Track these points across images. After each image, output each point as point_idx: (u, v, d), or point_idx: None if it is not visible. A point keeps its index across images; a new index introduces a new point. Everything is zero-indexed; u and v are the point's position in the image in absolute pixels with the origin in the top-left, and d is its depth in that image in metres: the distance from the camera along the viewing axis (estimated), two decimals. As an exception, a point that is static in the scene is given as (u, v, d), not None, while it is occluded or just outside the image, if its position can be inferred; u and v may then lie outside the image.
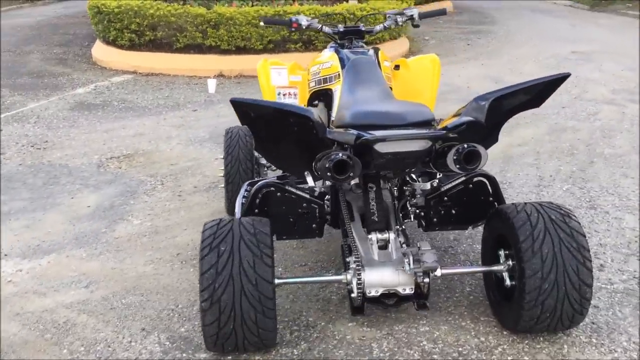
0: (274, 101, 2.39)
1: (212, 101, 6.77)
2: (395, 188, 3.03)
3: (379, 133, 2.36)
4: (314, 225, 2.94)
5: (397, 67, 3.59)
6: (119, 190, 4.33)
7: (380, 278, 2.57)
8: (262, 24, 3.63)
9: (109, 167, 4.77)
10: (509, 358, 2.56)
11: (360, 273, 2.52)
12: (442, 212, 2.98)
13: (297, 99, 3.51)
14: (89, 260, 3.39)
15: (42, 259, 3.42)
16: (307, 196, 2.91)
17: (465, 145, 2.33)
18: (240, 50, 8.11)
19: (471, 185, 2.95)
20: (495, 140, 2.71)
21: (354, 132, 2.39)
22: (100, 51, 8.93)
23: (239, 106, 2.29)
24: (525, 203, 2.66)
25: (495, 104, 2.39)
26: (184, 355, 2.60)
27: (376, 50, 3.33)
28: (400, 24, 3.56)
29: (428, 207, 2.97)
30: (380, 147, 2.35)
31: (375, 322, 2.79)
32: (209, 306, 2.36)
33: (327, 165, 2.29)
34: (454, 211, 2.98)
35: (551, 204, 2.65)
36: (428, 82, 3.51)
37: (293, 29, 3.49)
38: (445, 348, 2.62)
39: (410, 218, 3.04)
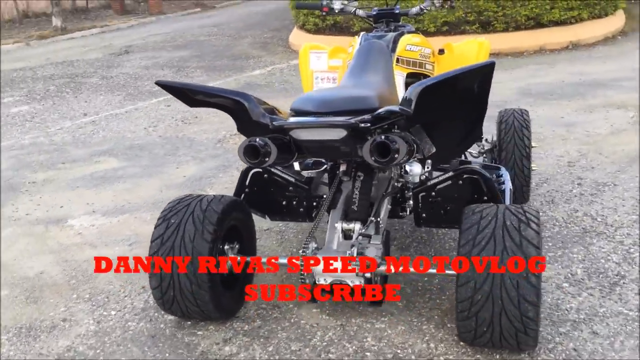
0: (202, 85, 2.49)
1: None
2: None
3: (294, 120, 2.34)
4: (301, 210, 2.98)
5: (441, 51, 3.39)
6: (218, 164, 4.73)
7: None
8: (296, 7, 3.70)
9: (227, 143, 5.22)
10: (445, 370, 2.36)
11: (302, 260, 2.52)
12: (432, 208, 2.79)
13: (336, 84, 3.51)
14: (149, 223, 3.83)
15: (116, 217, 3.95)
16: (293, 180, 2.95)
17: (383, 137, 2.20)
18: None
19: (461, 182, 2.72)
20: (477, 137, 2.49)
21: (282, 119, 2.40)
22: (295, 36, 9.55)
23: (169, 89, 2.44)
24: (492, 204, 2.40)
25: (425, 94, 2.20)
26: (156, 314, 2.86)
27: (400, 34, 3.19)
28: (437, 5, 3.34)
29: (416, 201, 2.81)
30: (296, 134, 2.33)
31: (339, 312, 2.75)
32: (152, 273, 2.59)
33: (241, 149, 2.34)
34: (444, 208, 2.78)
35: (521, 207, 2.35)
36: (472, 68, 3.25)
37: (324, 13, 3.50)
38: (384, 348, 2.50)
39: (406, 212, 2.91)
